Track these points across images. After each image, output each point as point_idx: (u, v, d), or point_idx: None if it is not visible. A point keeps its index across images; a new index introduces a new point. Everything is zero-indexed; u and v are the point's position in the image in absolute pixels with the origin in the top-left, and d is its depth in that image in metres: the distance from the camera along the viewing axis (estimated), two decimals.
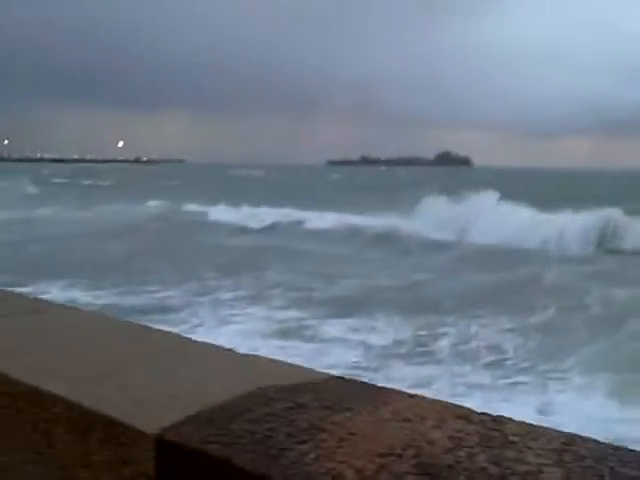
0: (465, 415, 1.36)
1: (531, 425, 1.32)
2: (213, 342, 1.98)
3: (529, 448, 1.20)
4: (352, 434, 1.26)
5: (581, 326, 12.96)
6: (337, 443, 1.23)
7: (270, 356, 1.82)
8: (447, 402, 1.45)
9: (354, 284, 17.61)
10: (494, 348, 11.59)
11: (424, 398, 1.48)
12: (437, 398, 1.48)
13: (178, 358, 1.80)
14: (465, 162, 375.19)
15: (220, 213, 36.37)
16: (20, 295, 2.67)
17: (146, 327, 2.18)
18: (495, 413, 1.37)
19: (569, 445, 1.22)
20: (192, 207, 40.46)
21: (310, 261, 21.58)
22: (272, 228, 32.06)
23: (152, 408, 1.44)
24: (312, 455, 1.18)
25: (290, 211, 36.55)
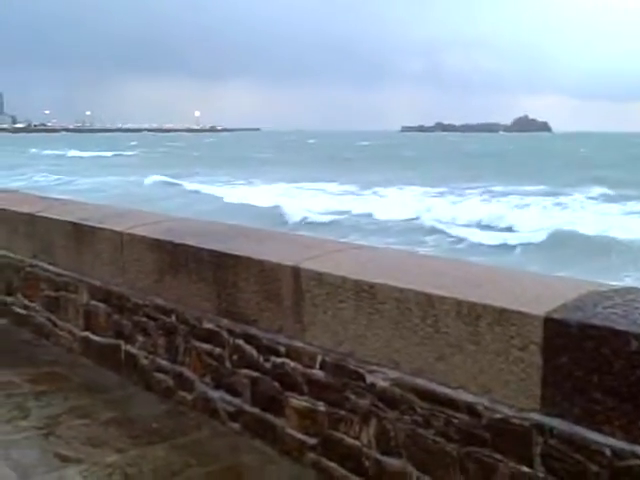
0: None
1: None
2: None
3: None
4: None
5: None
6: None
7: None
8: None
9: None
10: None
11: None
12: None
13: (515, 280, 2.52)
14: (544, 127, 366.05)
15: None
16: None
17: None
18: None
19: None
20: None
21: None
22: None
23: (532, 301, 2.15)
24: None
25: None
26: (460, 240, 20.26)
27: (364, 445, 2.57)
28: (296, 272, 2.79)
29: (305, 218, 23.68)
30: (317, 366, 2.72)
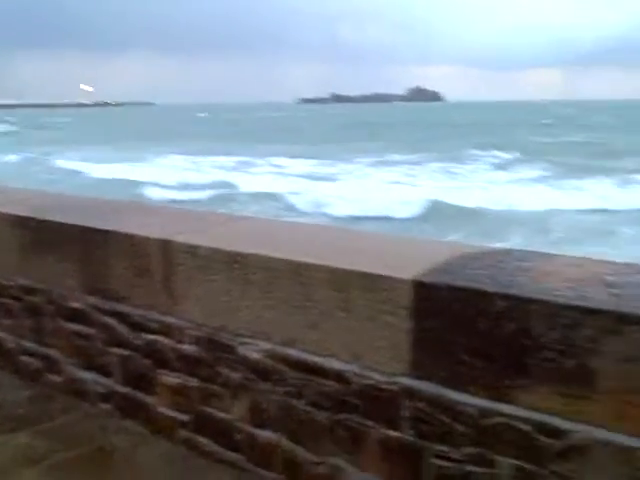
0: (613, 262, 2.06)
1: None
2: None
3: None
4: (548, 271, 1.96)
5: None
6: (542, 275, 1.93)
7: None
8: (589, 258, 2.15)
9: None
10: None
11: (577, 257, 2.18)
12: None
13: (386, 243, 2.50)
14: (436, 97, 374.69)
15: None
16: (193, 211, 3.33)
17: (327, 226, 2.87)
18: None
19: None
20: None
21: None
22: None
23: (402, 266, 2.12)
24: (529, 281, 1.88)
25: None
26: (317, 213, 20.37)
27: (236, 419, 2.51)
28: (166, 245, 2.67)
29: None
30: (188, 341, 2.63)
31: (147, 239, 2.74)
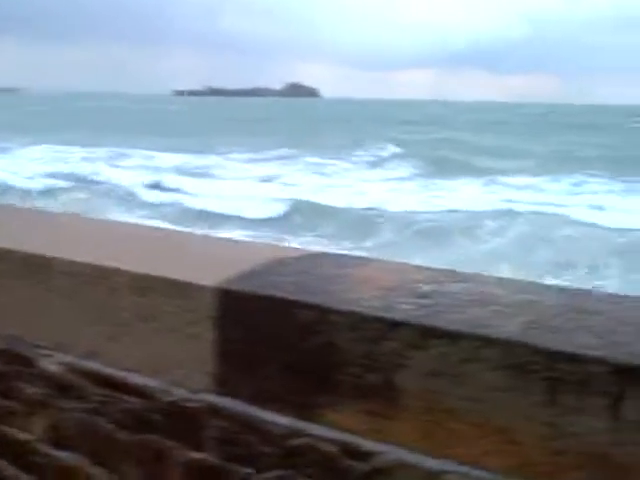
0: (431, 268, 1.97)
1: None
2: None
3: (478, 282, 1.83)
4: (359, 279, 1.85)
5: None
6: (352, 283, 1.81)
7: None
8: (404, 262, 2.07)
9: None
10: None
11: (397, 262, 2.08)
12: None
13: (194, 245, 2.31)
14: (313, 93, 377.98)
15: None
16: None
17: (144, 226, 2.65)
18: None
19: (503, 280, 1.87)
20: None
21: None
22: None
23: (206, 271, 1.95)
24: (341, 289, 1.76)
25: None
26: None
27: (35, 439, 2.26)
28: None
29: None
30: None
31: None
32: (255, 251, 2.18)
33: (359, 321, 1.64)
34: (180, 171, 28.09)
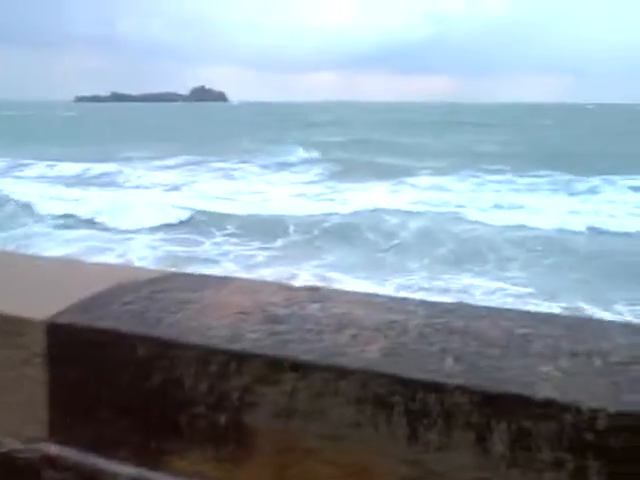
0: (291, 287, 1.80)
1: (341, 289, 1.80)
2: None
3: (343, 301, 1.67)
4: (211, 304, 1.65)
5: None
6: (202, 309, 1.61)
7: None
8: (276, 282, 1.88)
9: None
10: None
11: (258, 280, 1.90)
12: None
13: (33, 267, 2.05)
14: (221, 97, 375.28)
15: None
16: None
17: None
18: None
19: (368, 297, 1.71)
20: None
21: None
22: None
23: (37, 302, 1.71)
24: (185, 317, 1.56)
25: None
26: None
27: None
28: None
29: None
30: None
31: None
32: (103, 275, 1.95)
33: (204, 354, 1.45)
34: (81, 180, 27.16)
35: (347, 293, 1.75)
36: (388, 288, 12.50)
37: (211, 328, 1.51)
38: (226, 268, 14.07)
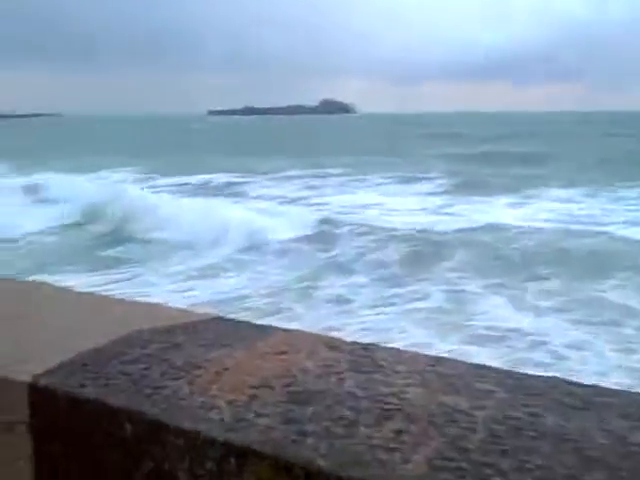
0: (337, 345, 1.41)
1: (399, 350, 1.39)
2: None
3: (396, 372, 1.26)
4: (227, 369, 1.29)
5: None
6: (212, 378, 1.25)
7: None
8: (321, 334, 1.50)
9: None
10: None
11: (300, 332, 1.52)
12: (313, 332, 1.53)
13: (53, 306, 1.77)
14: (347, 109, 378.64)
15: None
16: None
17: (17, 280, 2.12)
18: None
19: (434, 366, 1.29)
20: None
21: None
22: None
23: (24, 357, 1.41)
24: (186, 390, 1.20)
25: None
26: None
27: None
28: None
29: None
30: None
31: None
32: (120, 319, 1.64)
33: (200, 444, 1.09)
34: (208, 191, 27.59)
35: (404, 357, 1.34)
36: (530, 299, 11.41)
37: (215, 408, 1.15)
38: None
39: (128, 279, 13.58)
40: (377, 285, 12.75)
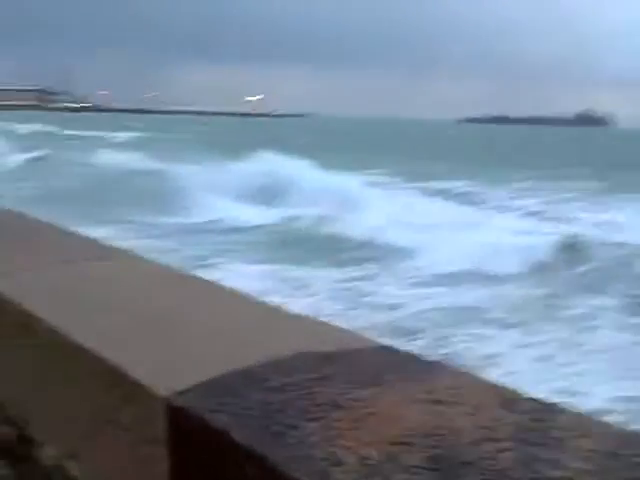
0: (512, 400, 1.18)
1: (585, 417, 1.13)
2: None
3: (574, 448, 1.01)
4: (371, 414, 1.12)
5: None
6: (351, 424, 1.09)
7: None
8: (495, 383, 1.27)
9: None
10: None
11: (470, 376, 1.31)
12: (485, 377, 1.31)
13: (218, 315, 1.71)
14: (607, 122, 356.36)
15: None
16: (91, 239, 2.66)
17: (203, 280, 2.09)
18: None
19: (626, 447, 1.02)
20: None
21: None
22: None
23: (172, 369, 1.35)
24: (317, 437, 1.05)
25: None
26: None
27: None
28: None
29: None
30: None
31: None
32: (286, 337, 1.53)
33: None
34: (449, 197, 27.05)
35: (592, 429, 1.08)
36: None
37: (343, 464, 0.98)
38: None
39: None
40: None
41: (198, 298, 1.86)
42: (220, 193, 22.29)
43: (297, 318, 1.68)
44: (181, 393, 1.24)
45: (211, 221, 19.69)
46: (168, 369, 1.35)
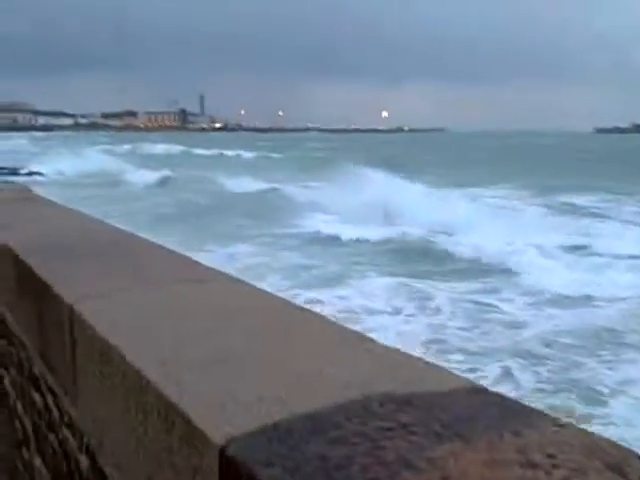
0: (620, 463, 0.95)
1: None
2: None
3: None
4: (445, 478, 0.93)
5: None
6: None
7: None
8: (603, 439, 1.04)
9: None
10: None
11: (574, 429, 1.08)
12: (591, 430, 1.08)
13: (293, 347, 1.55)
14: None
15: None
16: (193, 261, 2.59)
17: (296, 306, 1.95)
18: None
19: None
20: None
21: None
22: None
23: (233, 410, 1.21)
24: None
25: None
26: None
27: None
28: (71, 314, 1.99)
29: None
30: None
31: (60, 300, 2.08)
32: (365, 369, 1.36)
33: None
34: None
35: None
36: None
37: None
38: None
39: None
40: None
41: (277, 329, 1.71)
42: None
43: (381, 350, 1.51)
44: (235, 440, 1.09)
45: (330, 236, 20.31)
46: (229, 409, 1.21)
